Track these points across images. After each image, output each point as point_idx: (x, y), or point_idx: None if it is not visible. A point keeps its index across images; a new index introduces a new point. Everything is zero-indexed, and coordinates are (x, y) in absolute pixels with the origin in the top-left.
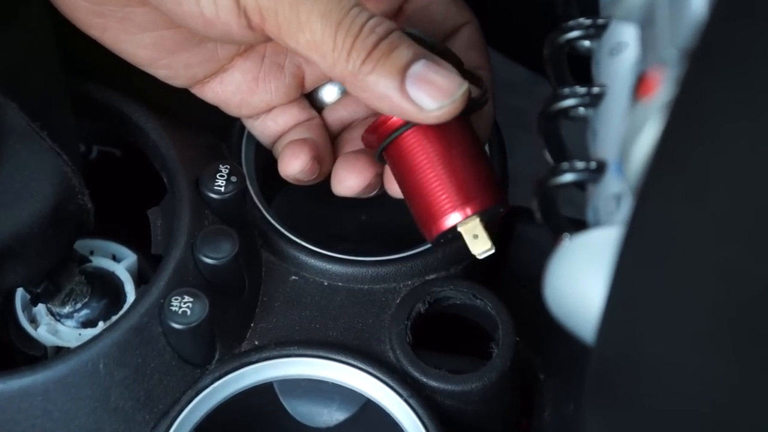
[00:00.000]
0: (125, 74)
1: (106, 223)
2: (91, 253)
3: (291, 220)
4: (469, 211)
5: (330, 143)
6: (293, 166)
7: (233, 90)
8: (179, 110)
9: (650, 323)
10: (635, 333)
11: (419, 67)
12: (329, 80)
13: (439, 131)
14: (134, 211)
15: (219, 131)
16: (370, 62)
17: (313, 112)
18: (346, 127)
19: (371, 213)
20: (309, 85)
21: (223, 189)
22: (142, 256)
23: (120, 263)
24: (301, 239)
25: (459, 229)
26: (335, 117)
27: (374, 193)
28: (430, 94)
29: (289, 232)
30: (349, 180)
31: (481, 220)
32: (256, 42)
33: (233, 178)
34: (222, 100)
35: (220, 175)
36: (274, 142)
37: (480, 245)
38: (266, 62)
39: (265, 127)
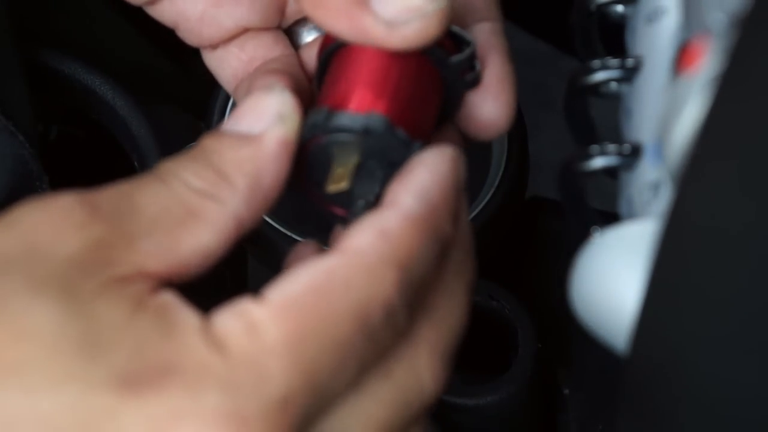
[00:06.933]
0: (88, 41)
1: None
2: None
3: (279, 210)
4: None
5: (310, 88)
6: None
7: None
8: (151, 84)
9: (695, 331)
10: (676, 342)
11: None
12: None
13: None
14: None
15: (197, 109)
16: None
17: (291, 49)
18: None
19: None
20: (290, 14)
21: None
22: None
23: None
24: (291, 232)
25: None
26: (311, 57)
27: None
28: (394, 5)
29: (277, 224)
30: None
31: None
32: None
33: None
34: (180, 12)
35: None
36: (238, 84)
37: None
38: None
39: (228, 59)
